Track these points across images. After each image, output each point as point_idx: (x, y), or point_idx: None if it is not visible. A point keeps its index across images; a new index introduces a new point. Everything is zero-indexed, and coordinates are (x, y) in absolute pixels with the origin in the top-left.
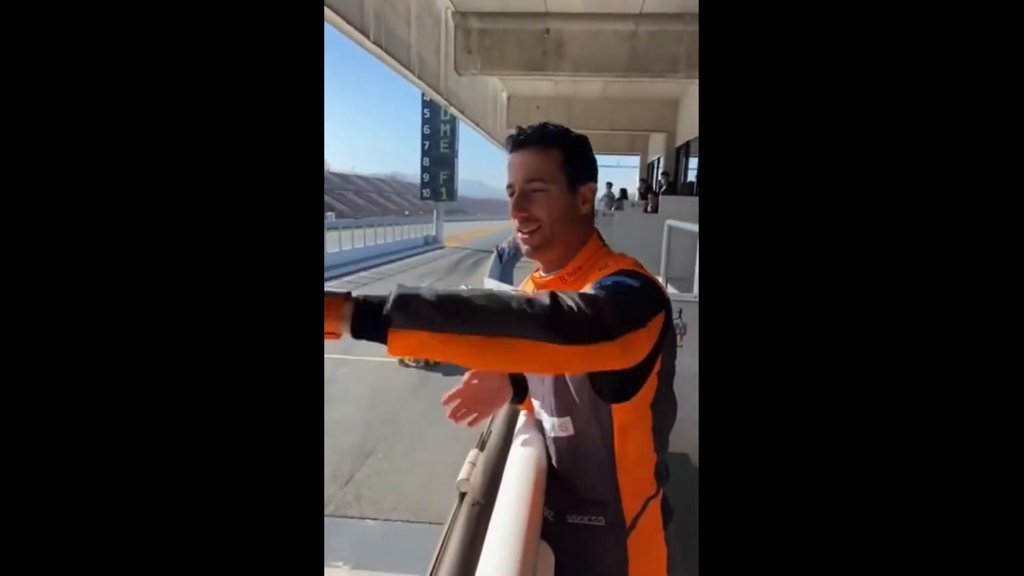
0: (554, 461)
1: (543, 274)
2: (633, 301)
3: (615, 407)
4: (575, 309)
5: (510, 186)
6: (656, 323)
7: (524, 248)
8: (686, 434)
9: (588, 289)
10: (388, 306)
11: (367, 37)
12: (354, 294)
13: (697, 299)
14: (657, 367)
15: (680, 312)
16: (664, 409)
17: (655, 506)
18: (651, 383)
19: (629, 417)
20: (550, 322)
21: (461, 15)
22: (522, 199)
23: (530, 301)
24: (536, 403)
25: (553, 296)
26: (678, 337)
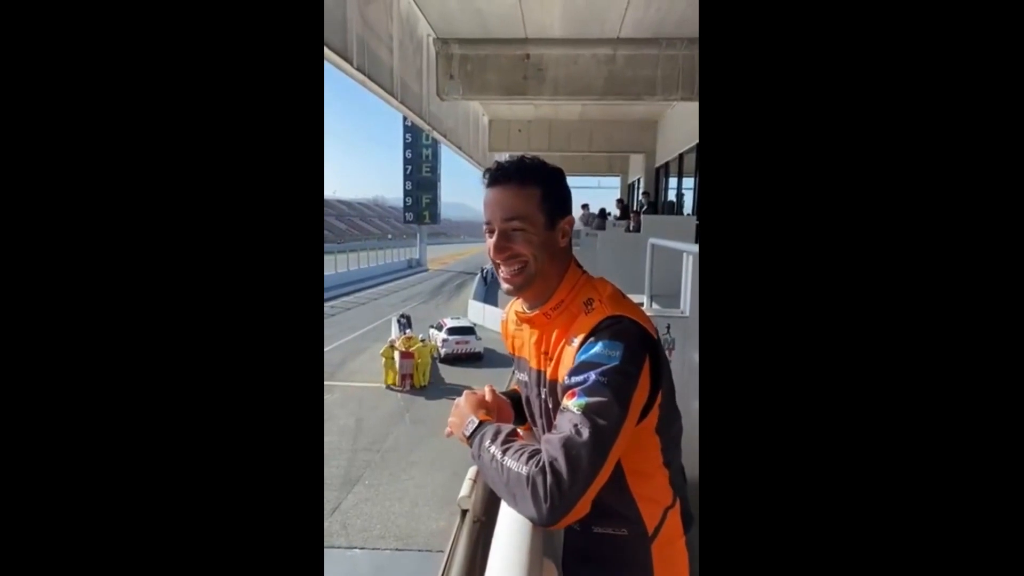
0: None
1: (527, 310)
2: (610, 405)
3: None
4: (548, 504)
5: (488, 223)
6: (644, 375)
7: (506, 288)
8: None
9: (565, 404)
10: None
11: (351, 64)
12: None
13: (684, 314)
14: (658, 400)
15: (668, 327)
16: (669, 428)
17: (675, 514)
18: (653, 413)
19: (637, 443)
20: (528, 514)
21: (443, 41)
22: (503, 239)
23: (518, 490)
24: (535, 429)
25: (533, 487)
26: (667, 353)
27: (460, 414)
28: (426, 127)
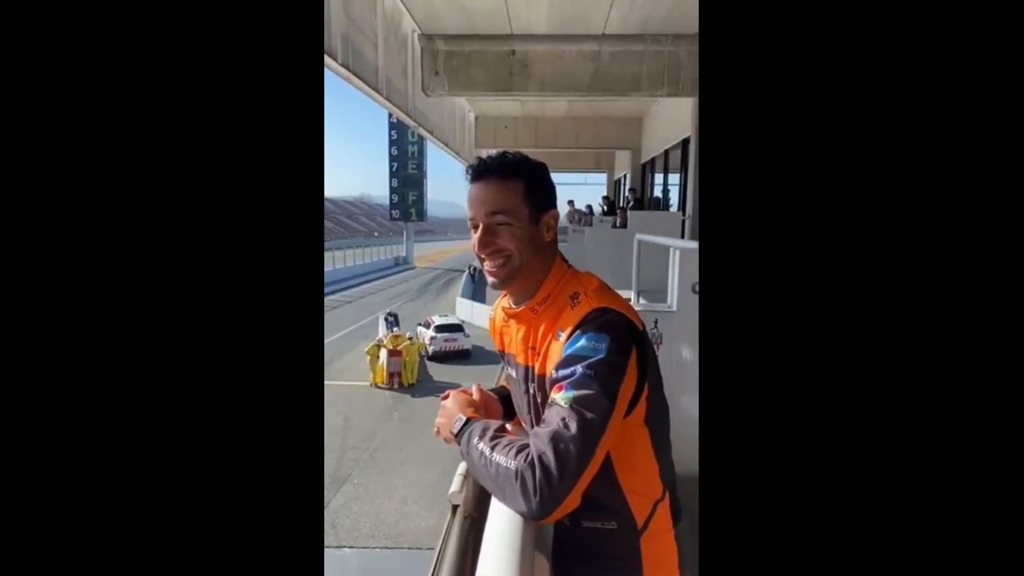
0: None
1: (513, 305)
2: (597, 398)
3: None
4: (537, 499)
5: (472, 218)
6: (631, 367)
7: (491, 281)
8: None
9: (553, 398)
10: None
11: (335, 60)
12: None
13: (671, 308)
14: (645, 392)
15: (656, 322)
16: (658, 420)
17: (664, 508)
18: (641, 404)
19: (625, 436)
20: (518, 509)
21: (427, 37)
22: (487, 233)
23: (507, 485)
24: (523, 425)
25: (522, 481)
26: (655, 348)
27: (447, 414)
28: (412, 124)
